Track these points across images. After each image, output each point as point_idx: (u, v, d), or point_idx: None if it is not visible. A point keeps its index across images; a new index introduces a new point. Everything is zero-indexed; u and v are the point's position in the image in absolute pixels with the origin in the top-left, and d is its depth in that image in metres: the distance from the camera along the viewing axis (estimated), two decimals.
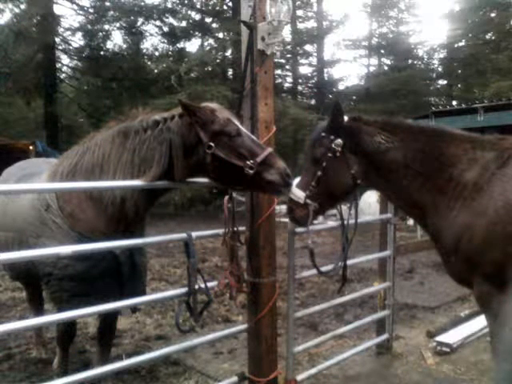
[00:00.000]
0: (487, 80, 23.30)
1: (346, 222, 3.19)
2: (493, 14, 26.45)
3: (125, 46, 22.08)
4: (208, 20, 22.43)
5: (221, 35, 20.54)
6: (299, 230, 3.34)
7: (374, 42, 31.42)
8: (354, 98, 29.69)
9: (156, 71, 19.98)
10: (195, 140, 2.70)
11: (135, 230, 3.04)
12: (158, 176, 2.71)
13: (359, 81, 31.67)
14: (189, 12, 21.61)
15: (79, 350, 4.46)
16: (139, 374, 3.95)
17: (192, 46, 56.52)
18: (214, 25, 21.63)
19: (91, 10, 20.92)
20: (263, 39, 3.01)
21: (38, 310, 4.31)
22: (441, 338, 4.56)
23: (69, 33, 21.27)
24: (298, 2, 25.94)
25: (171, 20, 21.17)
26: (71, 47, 21.58)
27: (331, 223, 5.24)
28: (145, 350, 4.41)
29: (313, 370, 3.72)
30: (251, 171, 2.61)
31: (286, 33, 25.63)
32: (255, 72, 3.04)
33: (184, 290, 2.80)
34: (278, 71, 26.62)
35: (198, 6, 21.80)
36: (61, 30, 20.58)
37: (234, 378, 3.22)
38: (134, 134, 2.81)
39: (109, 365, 2.77)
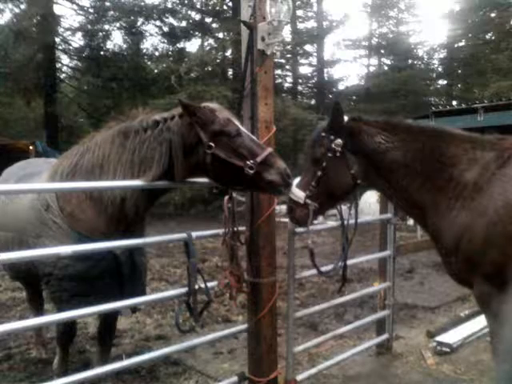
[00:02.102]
0: (487, 80, 23.27)
1: (345, 222, 3.19)
2: (493, 14, 26.44)
3: (125, 46, 22.10)
4: (208, 20, 22.42)
5: (221, 35, 20.52)
6: (299, 230, 3.34)
7: (374, 41, 31.48)
8: (354, 98, 29.74)
9: (156, 71, 19.99)
10: (195, 140, 2.70)
11: (135, 230, 3.04)
12: (158, 176, 2.72)
13: (359, 81, 31.79)
14: (189, 12, 21.63)
15: (79, 350, 4.46)
16: (139, 374, 3.95)
17: (192, 46, 56.67)
18: (214, 25, 21.62)
19: (91, 10, 20.95)
20: (263, 39, 3.00)
21: (38, 310, 4.31)
22: (441, 338, 4.56)
23: (69, 33, 21.34)
24: (298, 2, 25.96)
25: (171, 20, 21.23)
26: (71, 47, 21.61)
27: (331, 223, 5.23)
28: (145, 350, 4.40)
29: (313, 370, 3.72)
30: (251, 171, 2.61)
31: (286, 33, 25.69)
32: (255, 72, 3.04)
33: (184, 290, 2.81)
34: (278, 71, 26.65)
35: (198, 6, 21.79)
36: (61, 30, 20.61)
37: (234, 378, 3.22)
38: (134, 134, 2.82)
39: (109, 365, 2.78)
